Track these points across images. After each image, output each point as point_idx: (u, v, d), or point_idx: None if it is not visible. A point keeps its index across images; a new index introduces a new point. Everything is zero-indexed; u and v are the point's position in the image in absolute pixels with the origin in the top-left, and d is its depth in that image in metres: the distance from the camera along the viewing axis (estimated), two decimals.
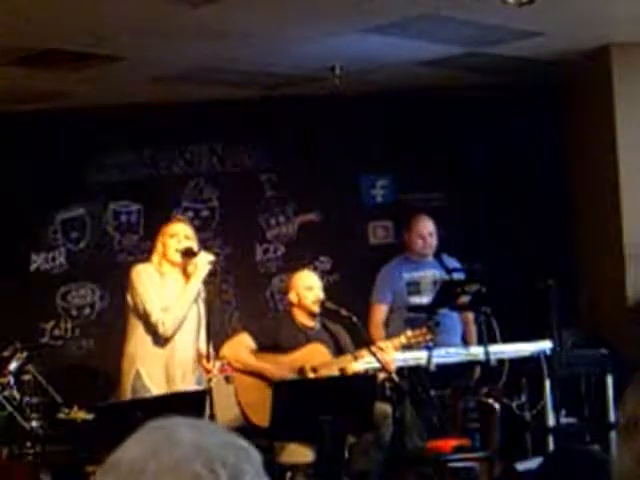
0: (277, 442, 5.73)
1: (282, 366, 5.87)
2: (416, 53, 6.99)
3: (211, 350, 5.53)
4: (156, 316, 5.45)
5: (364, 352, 5.81)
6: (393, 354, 5.89)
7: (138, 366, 5.50)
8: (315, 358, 5.92)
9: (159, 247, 5.66)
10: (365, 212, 8.34)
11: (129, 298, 5.59)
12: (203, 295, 5.69)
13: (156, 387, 5.45)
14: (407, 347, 6.08)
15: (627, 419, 1.43)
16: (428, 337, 6.03)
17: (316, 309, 6.02)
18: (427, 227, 6.96)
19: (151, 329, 5.49)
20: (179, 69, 7.02)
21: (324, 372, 5.86)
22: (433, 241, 6.94)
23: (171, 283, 5.58)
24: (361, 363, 5.89)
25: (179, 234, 5.63)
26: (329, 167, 8.14)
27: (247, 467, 1.22)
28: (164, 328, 5.46)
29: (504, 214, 7.98)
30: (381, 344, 5.91)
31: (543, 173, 7.99)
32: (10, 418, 5.93)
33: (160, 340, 5.51)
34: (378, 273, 7.02)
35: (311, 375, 5.85)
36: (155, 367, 5.51)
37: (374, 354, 5.69)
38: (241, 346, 5.92)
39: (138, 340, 5.54)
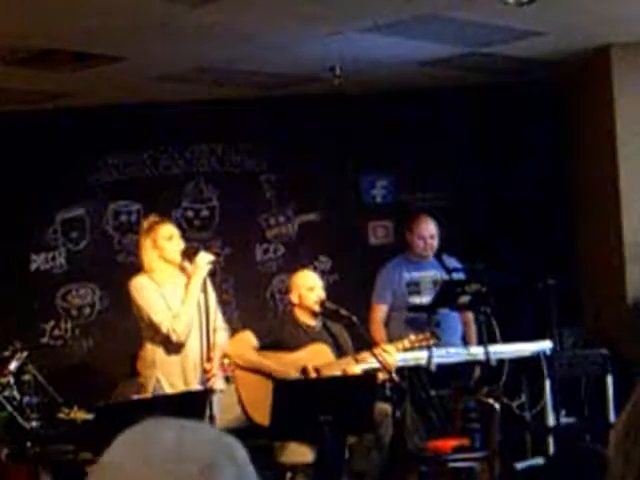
0: (277, 442, 5.73)
1: (286, 364, 5.87)
2: (416, 53, 6.99)
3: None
4: (166, 326, 5.40)
5: (366, 354, 5.80)
6: (396, 357, 5.89)
7: (158, 373, 5.46)
8: (318, 358, 5.92)
9: (153, 252, 5.52)
10: (365, 212, 8.34)
11: (135, 312, 5.54)
12: (212, 292, 5.59)
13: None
14: (408, 349, 6.09)
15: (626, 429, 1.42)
16: (431, 342, 6.04)
17: (318, 309, 6.03)
18: (429, 229, 6.94)
19: (163, 339, 5.44)
20: (179, 69, 7.02)
21: (327, 373, 5.86)
22: (434, 243, 6.93)
23: (171, 289, 5.52)
24: (364, 364, 5.88)
25: (174, 235, 5.53)
26: (329, 167, 8.14)
27: (224, 462, 1.22)
28: (177, 335, 5.40)
29: (504, 214, 7.98)
30: (385, 347, 5.91)
31: (543, 173, 7.99)
32: (10, 418, 5.93)
33: (173, 347, 5.47)
34: (378, 273, 7.02)
35: (314, 375, 5.84)
36: (174, 374, 5.46)
37: (376, 356, 5.69)
38: (244, 344, 5.91)
39: (155, 346, 5.51)
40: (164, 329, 5.39)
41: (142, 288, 5.48)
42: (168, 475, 1.18)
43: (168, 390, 5.42)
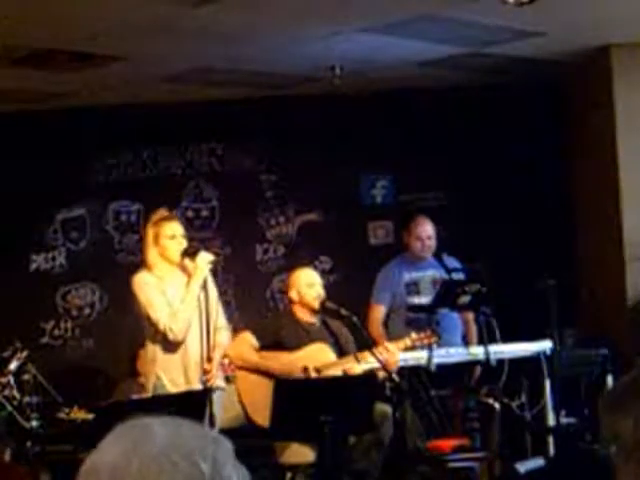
0: (277, 442, 5.73)
1: (286, 364, 5.87)
2: (416, 53, 6.99)
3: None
4: (163, 323, 5.40)
5: (367, 354, 5.80)
6: (398, 356, 5.89)
7: (158, 370, 5.46)
8: (319, 358, 5.92)
9: (154, 250, 5.54)
10: (365, 212, 8.34)
11: (136, 309, 5.56)
12: (213, 291, 5.61)
13: (177, 390, 5.41)
14: (409, 348, 6.09)
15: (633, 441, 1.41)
16: (432, 340, 6.04)
17: (317, 305, 6.02)
18: (426, 230, 6.93)
19: (161, 336, 5.45)
20: (179, 69, 7.02)
21: (327, 373, 5.85)
22: (432, 244, 6.92)
23: (171, 287, 5.52)
24: (364, 364, 5.87)
25: (177, 234, 5.53)
26: (329, 167, 8.14)
27: (224, 458, 1.24)
28: (173, 334, 5.40)
29: (504, 214, 7.98)
30: (388, 345, 5.90)
31: (543, 173, 7.99)
32: (10, 418, 5.93)
33: (172, 346, 5.47)
34: (378, 273, 7.02)
35: (314, 375, 5.84)
36: (175, 371, 5.44)
37: (376, 355, 5.69)
38: (244, 345, 5.91)
39: (155, 344, 5.51)
40: (161, 326, 5.40)
41: (144, 284, 5.49)
42: (176, 470, 1.19)
43: (169, 387, 5.42)
